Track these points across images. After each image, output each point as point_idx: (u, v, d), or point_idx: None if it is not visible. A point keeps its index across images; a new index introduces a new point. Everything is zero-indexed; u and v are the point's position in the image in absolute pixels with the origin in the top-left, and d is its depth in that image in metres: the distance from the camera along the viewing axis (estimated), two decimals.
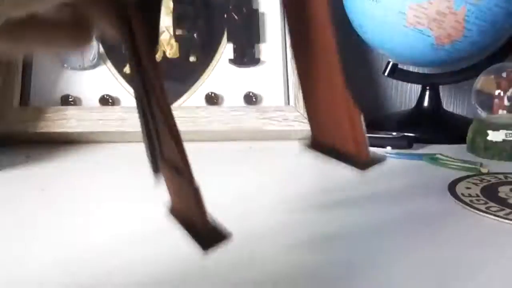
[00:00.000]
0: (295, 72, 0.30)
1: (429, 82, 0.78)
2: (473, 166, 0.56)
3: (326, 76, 0.28)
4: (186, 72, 0.72)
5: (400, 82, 0.90)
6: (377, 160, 0.29)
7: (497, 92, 0.65)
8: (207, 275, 0.30)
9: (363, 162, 0.28)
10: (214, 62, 0.73)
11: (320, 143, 0.32)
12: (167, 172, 0.28)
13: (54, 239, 0.36)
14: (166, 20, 0.72)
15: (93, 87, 0.70)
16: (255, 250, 0.34)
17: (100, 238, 0.36)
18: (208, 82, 0.72)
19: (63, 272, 0.30)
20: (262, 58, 0.74)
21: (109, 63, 0.71)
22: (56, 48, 0.26)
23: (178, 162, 0.26)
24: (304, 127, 0.68)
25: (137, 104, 0.30)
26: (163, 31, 0.72)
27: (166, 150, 0.28)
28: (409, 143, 0.67)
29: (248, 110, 0.70)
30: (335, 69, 0.27)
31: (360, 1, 0.68)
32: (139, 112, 0.30)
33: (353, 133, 0.28)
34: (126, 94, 0.70)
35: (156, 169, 0.30)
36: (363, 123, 0.27)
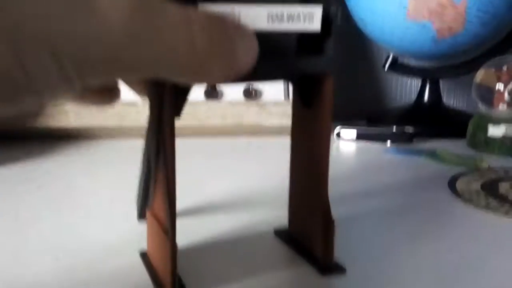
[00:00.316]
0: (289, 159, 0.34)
1: (429, 76, 0.78)
2: (474, 161, 0.56)
3: (314, 185, 0.31)
4: None
5: (400, 76, 0.89)
6: (338, 270, 0.31)
7: (497, 86, 0.65)
8: (210, 269, 0.30)
9: (325, 268, 0.31)
10: None
11: (292, 235, 0.35)
12: (152, 221, 0.30)
13: (52, 235, 0.35)
14: None
15: None
16: (255, 248, 0.34)
17: (98, 235, 0.36)
18: None
19: (60, 269, 0.30)
20: None
21: None
22: (85, 105, 0.27)
23: (166, 222, 0.27)
24: None
25: (144, 156, 0.32)
26: None
27: (157, 207, 0.30)
28: (409, 138, 0.66)
29: (247, 104, 0.69)
30: (324, 182, 0.30)
31: None
32: (143, 163, 0.32)
33: (324, 239, 0.31)
34: (126, 90, 0.70)
35: (141, 215, 0.33)
36: (335, 233, 0.31)
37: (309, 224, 0.33)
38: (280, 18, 0.29)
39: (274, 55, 0.29)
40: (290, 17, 0.29)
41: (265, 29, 0.28)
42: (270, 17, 0.28)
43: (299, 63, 0.30)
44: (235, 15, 0.25)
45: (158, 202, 0.30)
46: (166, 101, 0.27)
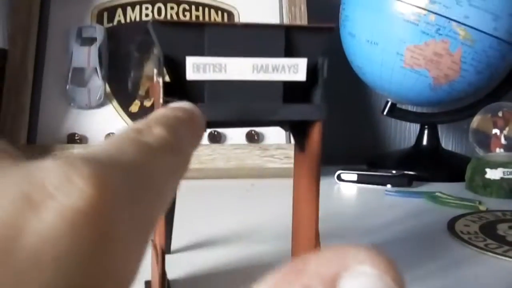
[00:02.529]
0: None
1: (428, 121, 0.80)
2: (472, 203, 0.57)
3: (307, 225, 0.33)
4: None
5: (399, 121, 0.91)
6: None
7: (494, 131, 0.66)
8: None
9: None
10: None
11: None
12: (152, 251, 0.33)
13: None
14: None
15: (99, 125, 0.71)
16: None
17: None
18: None
19: None
20: None
21: (115, 102, 0.73)
22: None
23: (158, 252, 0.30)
24: None
25: None
26: None
27: (156, 238, 0.32)
28: (408, 181, 0.68)
29: (250, 148, 0.71)
30: (313, 223, 0.32)
31: (359, 44, 0.70)
32: None
33: None
34: None
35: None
36: None
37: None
38: (265, 69, 0.30)
39: (262, 103, 0.31)
40: (275, 68, 0.30)
41: (250, 79, 0.30)
42: (255, 68, 0.30)
43: (286, 110, 0.31)
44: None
45: (156, 234, 0.31)
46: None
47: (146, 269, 0.35)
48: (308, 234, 0.33)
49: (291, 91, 0.31)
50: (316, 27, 0.32)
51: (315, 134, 0.32)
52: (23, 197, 0.13)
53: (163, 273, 0.29)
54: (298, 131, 0.34)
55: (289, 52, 0.31)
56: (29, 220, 0.13)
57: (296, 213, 0.36)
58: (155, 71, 0.29)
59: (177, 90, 0.29)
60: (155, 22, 0.29)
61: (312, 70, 0.31)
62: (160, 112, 0.20)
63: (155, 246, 0.31)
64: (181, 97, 0.30)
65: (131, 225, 0.15)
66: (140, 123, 0.18)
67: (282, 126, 0.37)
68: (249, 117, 0.31)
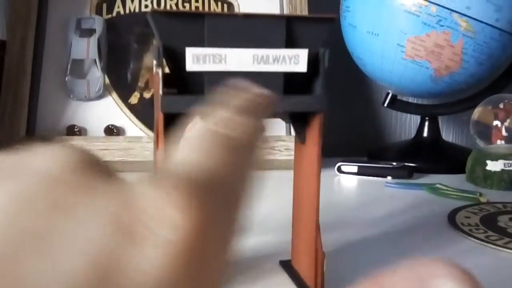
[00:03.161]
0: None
1: (428, 112, 0.80)
2: (473, 195, 0.57)
3: (308, 218, 0.33)
4: None
5: (399, 113, 0.91)
6: None
7: (495, 122, 0.66)
8: None
9: None
10: None
11: (293, 267, 0.37)
12: None
13: None
14: None
15: (99, 117, 0.71)
16: (260, 278, 0.35)
17: None
18: None
19: None
20: None
21: (114, 94, 0.73)
22: None
23: None
24: None
25: None
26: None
27: None
28: (409, 173, 0.68)
29: None
30: (315, 215, 0.32)
31: (360, 35, 0.70)
32: None
33: (316, 271, 0.32)
34: (131, 125, 0.72)
35: None
36: (325, 266, 0.32)
37: (304, 255, 0.34)
38: (265, 60, 0.30)
39: None
40: (276, 59, 0.30)
41: (251, 70, 0.30)
42: (256, 59, 0.30)
43: (287, 102, 0.31)
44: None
45: None
46: (159, 132, 0.29)
47: None
48: (308, 226, 0.33)
49: (291, 82, 0.31)
50: (317, 17, 0.32)
51: (316, 125, 0.31)
52: (120, 226, 0.12)
53: None
54: (299, 122, 0.34)
55: (290, 43, 0.30)
56: (128, 254, 0.12)
57: (296, 204, 0.36)
58: (155, 62, 0.29)
59: (176, 81, 0.29)
60: (154, 12, 0.28)
61: (312, 61, 0.31)
62: (240, 96, 0.18)
63: None
64: (180, 88, 0.30)
65: (221, 243, 0.14)
66: (223, 110, 0.17)
67: (282, 118, 0.36)
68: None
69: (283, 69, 0.30)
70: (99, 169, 0.13)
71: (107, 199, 0.12)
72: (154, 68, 0.29)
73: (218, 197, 0.14)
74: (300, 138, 0.34)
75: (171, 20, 0.29)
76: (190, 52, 0.28)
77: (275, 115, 0.36)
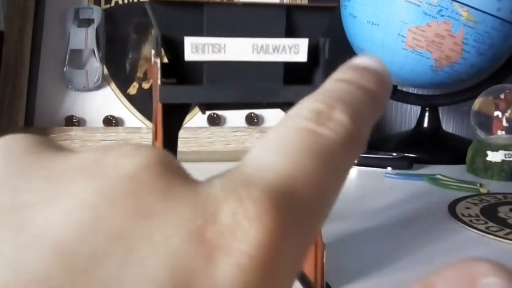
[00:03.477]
0: None
1: (429, 103, 0.79)
2: (473, 186, 0.57)
3: None
4: None
5: (400, 103, 0.91)
6: None
7: (495, 113, 0.66)
8: None
9: None
10: None
11: None
12: None
13: None
14: None
15: (97, 108, 0.71)
16: None
17: None
18: None
19: None
20: None
21: (113, 85, 0.72)
22: None
23: None
24: None
25: None
26: None
27: None
28: (409, 164, 0.67)
29: (250, 130, 0.71)
30: None
31: (360, 24, 0.70)
32: None
33: (315, 264, 0.32)
34: (130, 115, 0.71)
35: None
36: (325, 257, 0.32)
37: None
38: (265, 49, 0.29)
39: (262, 84, 0.30)
40: (276, 49, 0.30)
41: (250, 60, 0.29)
42: (255, 49, 0.29)
43: (287, 92, 0.31)
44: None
45: None
46: (158, 123, 0.28)
47: None
48: None
49: (291, 72, 0.31)
50: (317, 6, 0.31)
51: None
52: (198, 236, 0.11)
53: None
54: None
55: (290, 32, 0.30)
56: (205, 266, 0.11)
57: None
58: (153, 52, 0.28)
59: (175, 71, 0.29)
60: (152, 1, 0.28)
61: (312, 51, 0.31)
62: (342, 77, 0.16)
63: None
64: (179, 79, 0.29)
65: (294, 261, 0.13)
66: (318, 100, 0.14)
67: (282, 108, 0.36)
68: (249, 99, 0.30)
69: (283, 59, 0.30)
70: (176, 171, 0.13)
71: (186, 206, 0.12)
72: (153, 58, 0.29)
73: (301, 211, 0.13)
74: None
75: (169, 9, 0.28)
76: (189, 42, 0.28)
77: (275, 105, 0.36)
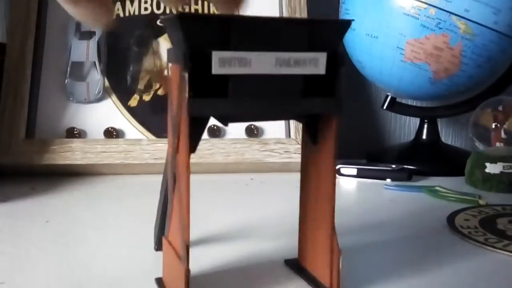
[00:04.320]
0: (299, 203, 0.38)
1: (427, 115, 0.80)
2: (472, 198, 0.57)
3: (322, 217, 0.34)
4: None
5: (399, 115, 0.91)
6: None
7: (494, 125, 0.66)
8: None
9: None
10: None
11: (301, 266, 0.37)
12: (167, 248, 0.32)
13: (58, 271, 0.36)
14: None
15: (98, 120, 0.71)
16: (267, 277, 0.35)
17: (104, 270, 0.36)
18: None
19: None
20: None
21: (114, 97, 0.73)
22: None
23: (179, 248, 0.30)
24: None
25: (163, 184, 0.35)
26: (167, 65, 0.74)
27: (172, 235, 0.32)
28: (408, 175, 0.68)
29: (250, 142, 0.71)
30: (330, 215, 0.33)
31: (359, 37, 0.70)
32: (161, 193, 0.35)
33: (331, 270, 0.33)
34: (130, 127, 0.72)
35: (158, 247, 0.36)
36: (341, 263, 0.33)
37: (317, 254, 0.34)
38: (287, 63, 0.30)
39: (283, 96, 0.31)
40: (297, 62, 0.31)
41: (273, 73, 0.30)
42: (278, 62, 0.30)
43: (306, 104, 0.32)
44: None
45: (173, 230, 0.31)
46: (182, 136, 0.29)
47: (156, 266, 0.34)
48: (324, 225, 0.33)
49: (309, 85, 0.32)
50: (335, 21, 0.33)
51: (333, 127, 0.32)
52: None
53: (187, 269, 0.28)
54: (312, 124, 0.34)
55: (311, 46, 0.31)
56: None
57: (307, 205, 0.35)
58: (182, 65, 0.28)
59: (199, 84, 0.29)
60: (183, 15, 0.28)
61: (328, 64, 0.31)
62: None
63: (170, 243, 0.31)
64: (203, 92, 0.29)
65: None
66: None
67: (297, 119, 0.37)
68: (272, 111, 0.32)
69: (303, 72, 0.31)
70: None
71: None
72: (168, 70, 0.29)
73: None
74: (312, 139, 0.34)
75: (199, 24, 0.29)
76: (217, 56, 0.29)
77: (294, 116, 0.36)
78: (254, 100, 0.30)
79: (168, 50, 0.32)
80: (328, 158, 0.33)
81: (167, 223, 0.33)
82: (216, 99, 0.29)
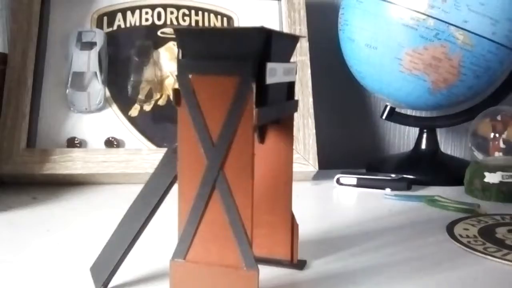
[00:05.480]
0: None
1: (426, 125, 0.80)
2: (471, 207, 0.57)
3: (279, 205, 0.39)
4: None
5: (398, 125, 0.92)
6: (304, 262, 0.39)
7: (492, 135, 0.67)
8: None
9: (295, 265, 0.39)
10: None
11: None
12: (192, 269, 0.34)
13: (59, 279, 0.36)
14: (170, 65, 0.75)
15: (99, 129, 0.72)
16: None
17: None
18: None
19: None
20: None
21: (114, 106, 0.73)
22: None
23: (236, 258, 0.32)
24: (304, 168, 0.70)
25: (136, 213, 0.39)
26: (168, 76, 0.75)
27: (205, 251, 0.34)
28: (408, 185, 0.68)
29: None
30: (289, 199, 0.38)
31: (358, 48, 0.71)
32: (129, 222, 0.38)
33: (291, 242, 0.38)
34: (131, 137, 0.72)
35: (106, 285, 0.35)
36: (298, 234, 0.39)
37: (275, 231, 0.39)
38: (286, 72, 0.35)
39: (281, 100, 0.36)
40: (287, 71, 0.35)
41: (282, 81, 0.34)
42: (284, 72, 0.35)
43: (289, 105, 0.37)
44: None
45: (207, 245, 0.32)
46: (246, 145, 0.31)
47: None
48: (284, 209, 0.38)
49: (288, 91, 0.38)
50: (296, 35, 0.38)
51: (291, 125, 0.38)
52: None
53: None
54: (262, 125, 0.39)
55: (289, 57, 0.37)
56: None
57: (265, 195, 0.39)
58: (251, 77, 0.30)
59: (257, 94, 0.31)
60: (263, 30, 0.30)
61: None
62: None
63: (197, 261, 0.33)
64: (260, 102, 0.31)
65: None
66: None
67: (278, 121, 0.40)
68: (283, 113, 0.36)
69: (289, 79, 0.37)
70: None
71: None
72: (229, 83, 0.30)
73: None
74: (261, 138, 0.39)
75: (262, 37, 0.30)
76: (269, 67, 0.31)
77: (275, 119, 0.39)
78: (275, 105, 0.34)
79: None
80: (288, 151, 0.38)
81: (182, 244, 0.32)
82: (267, 108, 0.32)
